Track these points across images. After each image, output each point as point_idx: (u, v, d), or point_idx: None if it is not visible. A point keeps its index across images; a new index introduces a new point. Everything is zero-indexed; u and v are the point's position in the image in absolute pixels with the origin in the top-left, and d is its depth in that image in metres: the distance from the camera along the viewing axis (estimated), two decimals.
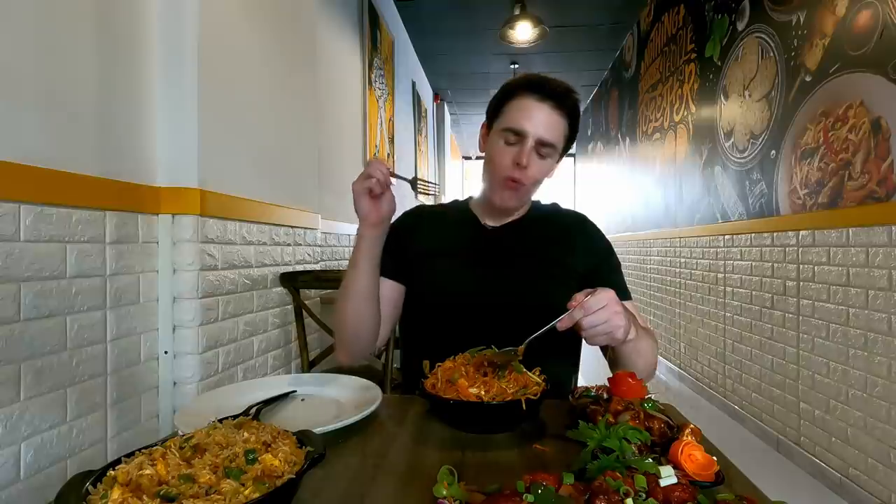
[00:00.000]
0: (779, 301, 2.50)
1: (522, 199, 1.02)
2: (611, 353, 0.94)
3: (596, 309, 0.74)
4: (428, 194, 0.86)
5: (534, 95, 0.94)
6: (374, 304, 0.96)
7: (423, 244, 1.06)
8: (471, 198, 1.16)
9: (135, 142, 1.26)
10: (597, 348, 1.02)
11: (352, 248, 0.94)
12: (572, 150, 9.64)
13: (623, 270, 1.12)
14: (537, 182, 1.00)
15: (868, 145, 1.90)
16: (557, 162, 1.03)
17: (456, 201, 1.18)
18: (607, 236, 1.14)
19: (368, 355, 1.12)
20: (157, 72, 1.32)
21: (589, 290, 0.77)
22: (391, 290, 1.04)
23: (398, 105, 4.73)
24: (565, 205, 1.18)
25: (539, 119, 0.94)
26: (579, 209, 1.34)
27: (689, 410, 2.39)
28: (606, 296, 0.75)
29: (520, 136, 0.95)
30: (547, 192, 1.09)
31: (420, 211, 1.15)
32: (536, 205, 1.14)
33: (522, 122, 0.94)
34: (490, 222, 1.08)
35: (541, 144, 0.95)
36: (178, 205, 1.33)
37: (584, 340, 0.81)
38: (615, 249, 1.12)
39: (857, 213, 1.95)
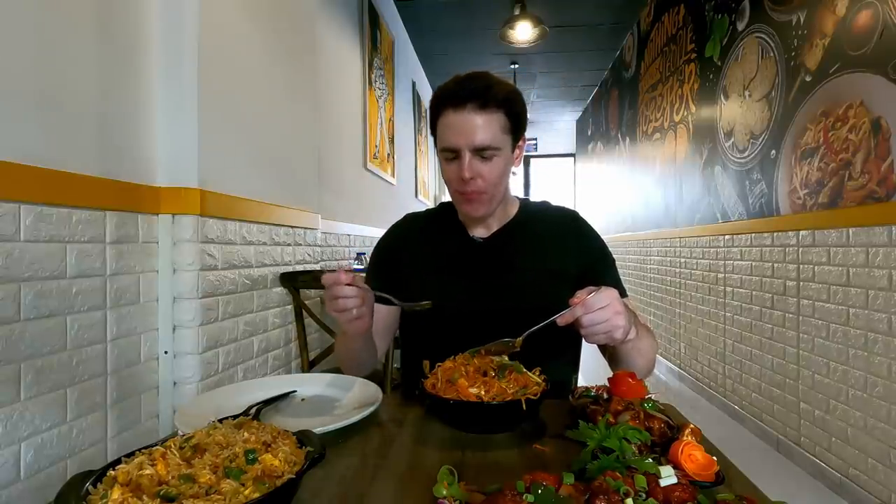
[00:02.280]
0: (779, 301, 2.50)
1: (489, 206, 0.99)
2: (610, 351, 0.94)
3: (597, 308, 0.74)
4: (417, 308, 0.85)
5: (452, 106, 0.91)
6: (373, 350, 1.00)
7: (414, 263, 1.05)
8: None
9: (135, 142, 1.26)
10: (596, 348, 1.02)
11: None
12: (572, 150, 9.55)
13: (623, 270, 1.12)
14: (496, 184, 0.96)
15: (868, 145, 1.90)
16: (516, 150, 0.99)
17: (444, 206, 1.14)
18: (607, 236, 1.14)
19: None
20: (157, 72, 1.32)
21: (592, 287, 0.76)
22: (386, 313, 1.04)
23: (398, 105, 4.73)
24: (556, 202, 1.15)
25: (465, 128, 0.90)
26: (579, 209, 1.33)
27: (689, 410, 2.39)
28: (609, 295, 0.75)
29: (455, 152, 0.93)
30: (547, 192, 1.08)
31: (408, 224, 1.14)
32: (526, 204, 1.11)
33: (451, 138, 0.92)
34: (478, 232, 1.05)
35: (478, 150, 0.92)
36: (178, 205, 1.33)
37: (583, 338, 0.81)
38: (613, 248, 1.11)
39: (857, 213, 1.95)
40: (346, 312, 0.80)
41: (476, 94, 0.90)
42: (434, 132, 0.98)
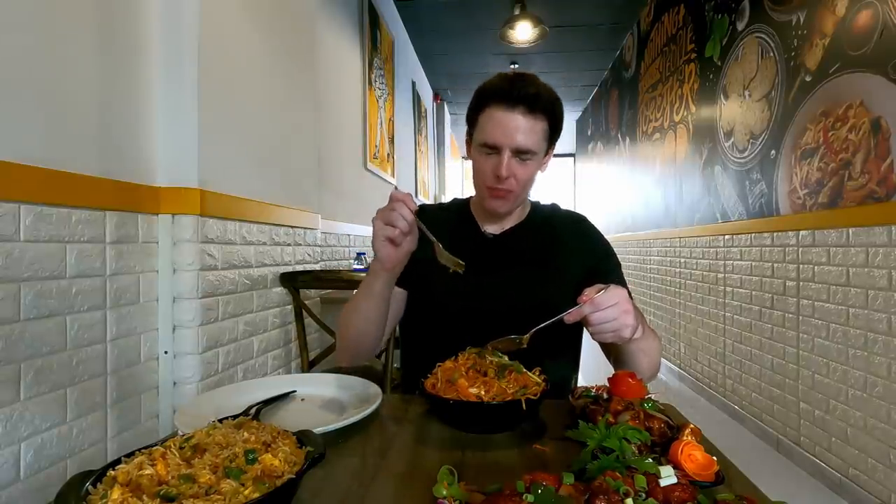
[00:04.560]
0: (779, 301, 2.50)
1: (513, 204, 1.01)
2: (615, 353, 0.94)
3: (606, 306, 0.74)
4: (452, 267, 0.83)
5: (503, 104, 0.92)
6: (383, 320, 0.96)
7: (424, 252, 1.04)
8: (472, 197, 1.14)
9: (135, 142, 1.26)
10: (597, 349, 1.02)
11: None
12: (572, 150, 9.52)
13: (623, 270, 1.11)
14: (525, 185, 0.99)
15: (868, 145, 1.90)
16: (547, 155, 1.01)
17: (456, 201, 1.16)
18: (607, 236, 1.14)
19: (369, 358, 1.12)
20: (157, 72, 1.32)
21: (601, 285, 0.76)
22: (394, 296, 1.03)
23: (398, 105, 4.73)
24: (565, 205, 1.17)
25: (511, 129, 0.92)
26: (579, 209, 1.34)
27: (689, 410, 2.39)
28: (618, 293, 0.75)
29: (495, 148, 0.94)
30: (547, 192, 1.09)
31: (421, 215, 1.14)
32: (536, 206, 1.13)
33: (495, 135, 0.93)
34: (490, 229, 1.07)
35: (519, 152, 0.93)
36: (178, 205, 1.33)
37: (590, 336, 0.81)
38: (615, 249, 1.12)
39: (857, 213, 1.95)
40: (391, 228, 0.79)
41: (527, 98, 0.92)
42: (473, 123, 0.99)
